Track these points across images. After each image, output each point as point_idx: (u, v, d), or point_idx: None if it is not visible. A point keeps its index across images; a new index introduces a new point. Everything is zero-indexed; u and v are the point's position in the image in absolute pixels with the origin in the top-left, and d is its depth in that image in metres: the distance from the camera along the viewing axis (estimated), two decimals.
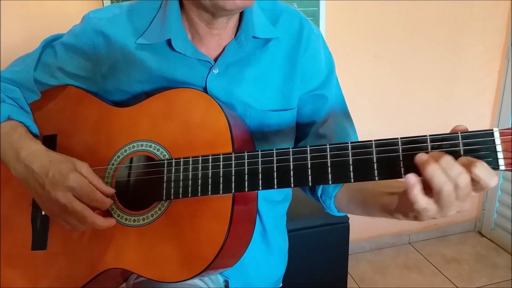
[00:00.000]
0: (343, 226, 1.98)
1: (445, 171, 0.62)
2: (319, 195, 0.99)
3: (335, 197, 0.95)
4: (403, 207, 0.70)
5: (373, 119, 2.50)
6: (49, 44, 0.99)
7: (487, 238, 2.86)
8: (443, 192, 0.62)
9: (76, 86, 0.99)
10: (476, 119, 2.71)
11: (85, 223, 0.84)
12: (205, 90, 0.94)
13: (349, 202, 0.93)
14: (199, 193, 0.82)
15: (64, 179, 0.82)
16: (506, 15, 2.52)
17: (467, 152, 0.65)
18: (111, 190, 0.89)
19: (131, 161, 0.93)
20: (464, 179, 0.61)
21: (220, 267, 0.89)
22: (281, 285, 1.24)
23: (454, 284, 2.43)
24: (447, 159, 0.62)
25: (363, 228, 2.59)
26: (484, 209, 2.87)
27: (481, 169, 0.61)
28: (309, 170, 0.74)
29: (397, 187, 0.75)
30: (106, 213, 0.90)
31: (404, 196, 0.67)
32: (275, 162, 0.77)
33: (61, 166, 0.84)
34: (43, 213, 0.95)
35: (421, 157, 0.64)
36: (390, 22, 2.35)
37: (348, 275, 2.29)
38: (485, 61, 2.59)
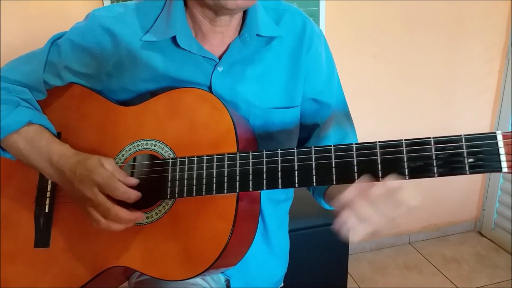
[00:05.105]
0: None
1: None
2: (311, 191, 1.03)
3: (325, 194, 0.99)
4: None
5: (373, 119, 2.51)
6: (54, 42, 0.99)
7: (487, 238, 2.86)
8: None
9: (80, 85, 0.99)
10: (476, 119, 2.71)
11: (108, 216, 0.83)
12: (209, 88, 0.94)
13: (331, 198, 0.96)
14: (204, 192, 0.82)
15: (89, 174, 0.83)
16: (506, 15, 2.52)
17: (470, 155, 0.66)
18: (133, 181, 0.87)
19: (135, 160, 0.93)
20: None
21: (223, 266, 0.89)
22: (282, 285, 1.24)
23: (454, 284, 2.44)
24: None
25: None
26: (484, 209, 2.88)
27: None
28: (314, 170, 0.75)
29: None
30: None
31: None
32: (279, 162, 0.77)
33: (86, 163, 0.85)
34: (46, 210, 0.95)
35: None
36: (390, 22, 2.35)
37: (348, 275, 2.29)
38: (485, 61, 2.59)
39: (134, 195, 0.85)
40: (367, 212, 0.69)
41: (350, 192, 0.70)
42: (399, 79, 2.48)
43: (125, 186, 0.85)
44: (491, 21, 2.50)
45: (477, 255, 2.70)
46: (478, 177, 2.87)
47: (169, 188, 0.86)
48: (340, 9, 2.23)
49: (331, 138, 1.01)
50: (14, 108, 0.92)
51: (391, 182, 0.68)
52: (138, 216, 0.85)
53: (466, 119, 2.68)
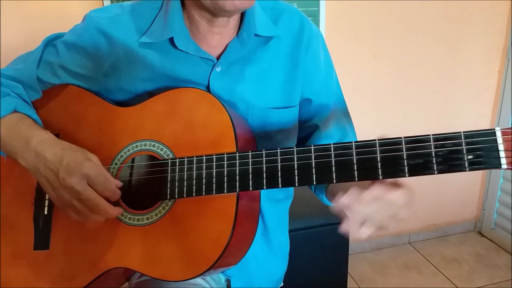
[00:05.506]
0: None
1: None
2: (313, 189, 1.04)
3: (326, 191, 1.00)
4: None
5: (373, 119, 2.51)
6: (51, 42, 0.99)
7: (487, 238, 2.86)
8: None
9: (77, 86, 0.99)
10: (476, 119, 2.71)
11: (97, 211, 0.83)
12: (208, 88, 0.94)
13: (332, 195, 0.96)
14: (203, 192, 0.82)
15: (80, 166, 0.82)
16: (506, 15, 2.52)
17: (469, 152, 0.66)
18: (119, 183, 0.88)
19: (134, 161, 0.93)
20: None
21: (224, 266, 0.89)
22: (282, 284, 1.24)
23: (454, 284, 2.43)
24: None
25: None
26: (484, 209, 2.87)
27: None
28: (313, 169, 0.75)
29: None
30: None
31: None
32: (279, 161, 0.77)
33: (75, 154, 0.84)
34: (45, 212, 0.95)
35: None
36: (390, 22, 2.35)
37: (348, 275, 2.29)
38: (485, 61, 2.59)
39: (119, 195, 0.87)
40: (363, 215, 0.72)
41: (345, 198, 0.72)
42: (399, 79, 2.48)
43: (114, 185, 0.86)
44: (491, 21, 2.50)
45: (477, 255, 2.70)
46: (478, 177, 2.87)
47: (168, 189, 0.85)
48: (340, 9, 2.23)
49: (333, 136, 1.02)
50: (1, 98, 0.91)
51: (377, 186, 0.72)
52: (120, 210, 0.87)
53: (466, 119, 2.68)
